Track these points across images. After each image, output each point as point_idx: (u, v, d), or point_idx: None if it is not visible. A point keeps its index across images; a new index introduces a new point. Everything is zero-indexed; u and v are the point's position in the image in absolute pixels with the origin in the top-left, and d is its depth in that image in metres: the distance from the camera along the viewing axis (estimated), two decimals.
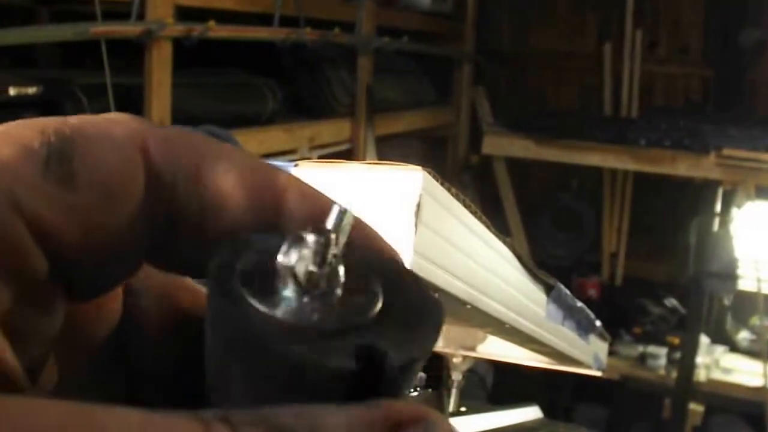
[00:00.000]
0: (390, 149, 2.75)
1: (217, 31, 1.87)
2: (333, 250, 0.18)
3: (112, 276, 0.19)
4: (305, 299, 0.17)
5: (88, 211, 0.18)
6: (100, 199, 0.18)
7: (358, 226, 0.20)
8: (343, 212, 0.18)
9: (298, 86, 2.41)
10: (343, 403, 0.16)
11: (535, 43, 3.57)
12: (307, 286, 0.18)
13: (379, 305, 0.18)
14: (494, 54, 3.56)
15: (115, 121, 0.19)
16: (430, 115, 3.20)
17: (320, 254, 0.18)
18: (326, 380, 0.17)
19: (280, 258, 0.18)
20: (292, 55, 2.33)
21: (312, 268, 0.17)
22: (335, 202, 0.20)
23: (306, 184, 0.21)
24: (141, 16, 1.70)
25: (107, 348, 0.22)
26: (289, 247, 0.18)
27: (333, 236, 0.18)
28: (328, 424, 0.16)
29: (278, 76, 2.29)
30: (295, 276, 0.17)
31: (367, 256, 0.20)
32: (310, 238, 0.18)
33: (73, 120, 0.18)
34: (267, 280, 0.18)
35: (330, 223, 0.18)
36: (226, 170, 0.19)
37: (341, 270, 0.18)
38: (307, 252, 0.18)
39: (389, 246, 0.21)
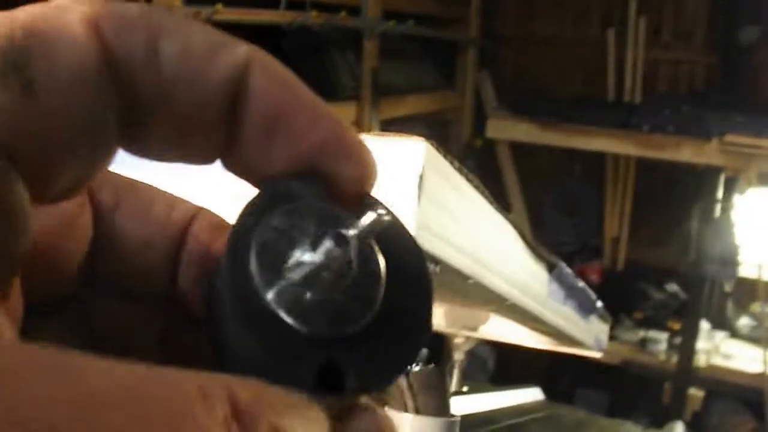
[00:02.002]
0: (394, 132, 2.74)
1: (225, 14, 1.87)
2: (355, 260, 0.18)
3: (83, 172, 0.19)
4: (305, 292, 0.17)
5: (51, 115, 0.17)
6: (64, 101, 0.17)
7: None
8: (377, 221, 0.18)
9: (303, 69, 2.40)
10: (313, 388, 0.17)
11: (540, 28, 3.56)
12: (313, 283, 0.18)
13: (370, 317, 0.18)
14: (499, 38, 3.56)
15: (67, 7, 0.18)
16: (435, 98, 3.20)
17: (341, 272, 0.18)
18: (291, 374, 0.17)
19: (305, 252, 0.18)
20: (298, 39, 2.33)
21: (327, 275, 0.17)
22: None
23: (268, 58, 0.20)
24: (148, 0, 1.70)
25: (83, 271, 0.21)
26: (318, 242, 0.18)
27: (360, 252, 0.18)
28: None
29: (284, 59, 2.28)
30: (306, 271, 0.17)
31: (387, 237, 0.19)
32: (338, 246, 0.17)
33: (22, 17, 0.17)
34: (279, 257, 0.18)
35: (363, 226, 0.18)
36: (183, 42, 0.19)
37: (351, 275, 0.18)
38: (330, 258, 0.17)
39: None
